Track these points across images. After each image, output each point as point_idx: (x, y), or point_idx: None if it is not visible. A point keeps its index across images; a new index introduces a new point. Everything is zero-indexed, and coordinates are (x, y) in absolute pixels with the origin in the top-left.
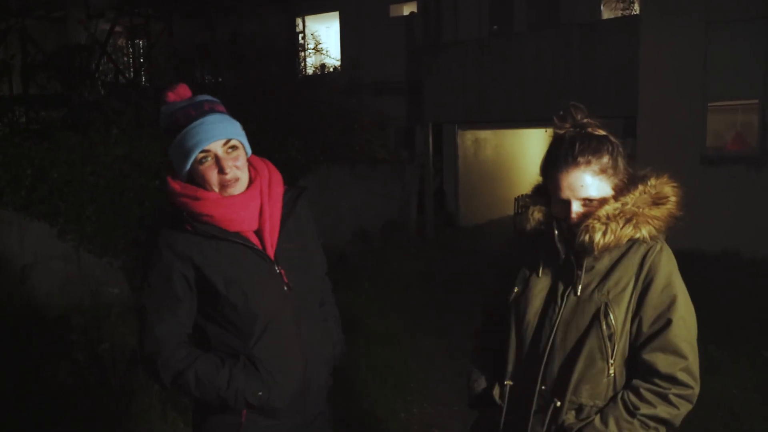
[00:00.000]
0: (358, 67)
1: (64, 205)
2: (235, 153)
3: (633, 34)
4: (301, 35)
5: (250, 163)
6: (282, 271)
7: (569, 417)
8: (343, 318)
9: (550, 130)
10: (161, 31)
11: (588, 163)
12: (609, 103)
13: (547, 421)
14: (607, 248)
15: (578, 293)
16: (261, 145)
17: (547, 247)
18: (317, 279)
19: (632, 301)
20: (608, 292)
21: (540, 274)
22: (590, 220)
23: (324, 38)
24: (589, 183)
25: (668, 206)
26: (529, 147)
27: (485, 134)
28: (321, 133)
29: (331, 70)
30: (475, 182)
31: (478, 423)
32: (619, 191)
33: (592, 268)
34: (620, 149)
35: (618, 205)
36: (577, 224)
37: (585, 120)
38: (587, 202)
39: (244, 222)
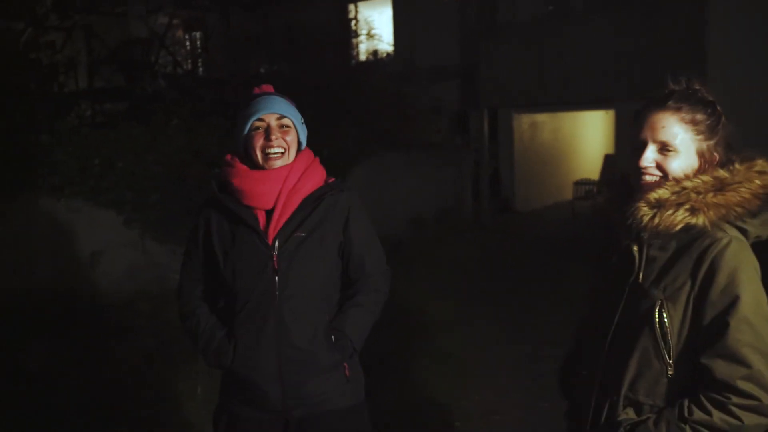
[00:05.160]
0: (411, 52)
1: (130, 194)
2: (286, 129)
3: (700, 10)
4: (354, 21)
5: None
6: (275, 256)
7: (628, 413)
8: (400, 305)
9: (611, 111)
10: (218, 22)
11: (678, 109)
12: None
13: (604, 415)
14: (656, 233)
15: (639, 284)
16: (318, 134)
17: (614, 233)
18: (324, 276)
19: (691, 299)
20: (665, 288)
21: (611, 262)
22: (639, 204)
23: (377, 24)
24: (673, 128)
25: (740, 192)
26: (587, 130)
27: (542, 117)
28: (375, 120)
29: (385, 56)
30: (531, 167)
31: (570, 411)
32: (703, 162)
33: (654, 259)
34: (723, 121)
35: (676, 188)
36: (640, 190)
37: (699, 86)
38: (664, 150)
39: (257, 197)
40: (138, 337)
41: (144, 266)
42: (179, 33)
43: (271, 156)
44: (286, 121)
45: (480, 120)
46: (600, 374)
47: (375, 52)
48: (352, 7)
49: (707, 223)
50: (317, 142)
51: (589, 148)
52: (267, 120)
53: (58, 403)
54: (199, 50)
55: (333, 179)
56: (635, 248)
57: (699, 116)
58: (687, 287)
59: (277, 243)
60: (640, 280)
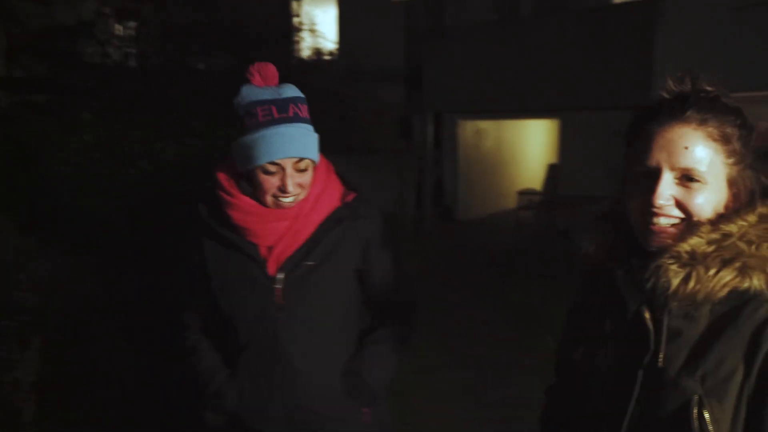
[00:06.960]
0: (356, 53)
1: (29, 196)
2: (303, 173)
3: (649, 20)
4: (296, 18)
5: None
6: (278, 289)
7: None
8: None
9: (555, 120)
10: (152, 12)
11: (703, 122)
12: (621, 93)
13: None
14: (692, 301)
15: (660, 370)
16: None
17: (612, 292)
18: (341, 308)
19: (744, 394)
20: (704, 378)
21: (607, 331)
22: (663, 259)
23: (321, 23)
24: (697, 149)
25: None
26: (530, 139)
27: (486, 124)
28: (316, 120)
29: (328, 56)
30: (475, 175)
31: None
32: (735, 193)
33: (679, 332)
34: (752, 136)
35: (714, 235)
36: (656, 247)
37: (711, 88)
38: (686, 181)
39: (263, 236)
40: (24, 372)
41: (47, 278)
42: (111, 22)
43: (282, 204)
44: (305, 162)
45: (424, 125)
46: None
47: (318, 51)
48: (296, 4)
49: (764, 286)
50: None
51: (532, 157)
52: (282, 164)
53: None
54: (132, 41)
55: (352, 195)
56: (648, 316)
57: (729, 130)
58: (738, 378)
59: (281, 274)
60: (661, 363)
